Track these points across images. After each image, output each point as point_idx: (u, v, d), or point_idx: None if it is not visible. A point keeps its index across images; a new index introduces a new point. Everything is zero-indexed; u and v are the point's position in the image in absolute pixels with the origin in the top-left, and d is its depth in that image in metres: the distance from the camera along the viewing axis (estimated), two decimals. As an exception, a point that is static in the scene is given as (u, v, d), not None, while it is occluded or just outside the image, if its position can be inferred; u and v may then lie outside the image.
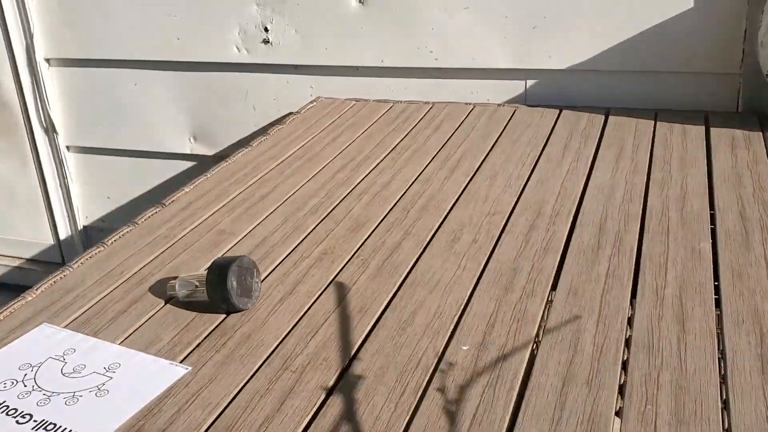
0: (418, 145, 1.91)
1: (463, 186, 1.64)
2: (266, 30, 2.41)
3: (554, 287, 1.21)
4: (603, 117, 2.02)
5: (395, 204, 1.57)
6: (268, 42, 2.42)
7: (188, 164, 2.69)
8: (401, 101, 2.29)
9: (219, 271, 1.16)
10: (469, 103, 2.21)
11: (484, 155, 1.81)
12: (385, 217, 1.51)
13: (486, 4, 2.15)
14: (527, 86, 2.20)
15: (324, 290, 1.25)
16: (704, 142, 1.80)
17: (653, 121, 1.96)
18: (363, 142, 1.96)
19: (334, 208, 1.57)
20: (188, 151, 2.65)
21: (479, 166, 1.74)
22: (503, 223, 1.45)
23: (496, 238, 1.39)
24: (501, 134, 1.95)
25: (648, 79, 2.08)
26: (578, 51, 2.10)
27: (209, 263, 1.21)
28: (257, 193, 1.67)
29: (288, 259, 1.36)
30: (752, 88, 1.96)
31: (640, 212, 1.45)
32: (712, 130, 1.87)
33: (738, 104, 2.00)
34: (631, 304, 1.15)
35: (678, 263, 1.25)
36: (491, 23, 2.16)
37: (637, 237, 1.35)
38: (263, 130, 2.44)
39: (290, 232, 1.47)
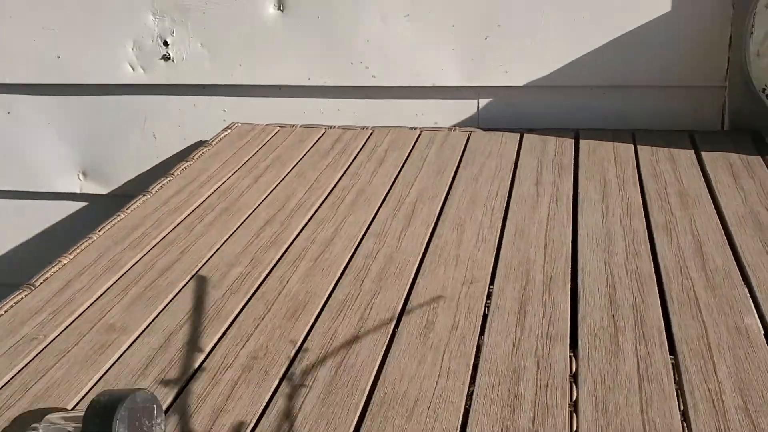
0: (361, 184, 1.57)
1: (426, 241, 1.31)
2: (166, 44, 2.01)
3: (574, 400, 0.90)
4: (573, 141, 1.74)
5: (343, 272, 1.22)
6: (169, 58, 2.02)
7: (79, 205, 2.26)
8: (334, 126, 1.94)
9: (100, 418, 0.79)
10: (415, 128, 1.89)
11: (443, 197, 1.49)
12: (331, 293, 1.17)
13: (430, 11, 1.84)
14: (480, 106, 1.90)
15: (257, 421, 0.89)
16: (698, 169, 1.54)
17: (632, 145, 1.69)
18: (293, 182, 1.61)
19: (262, 283, 1.21)
20: (77, 190, 2.22)
21: (440, 213, 1.42)
22: (485, 296, 1.13)
23: (481, 321, 1.07)
24: (458, 167, 1.63)
25: (620, 96, 1.81)
26: (539, 64, 1.81)
27: (89, 395, 0.84)
28: (159, 262, 1.29)
29: (204, 373, 0.99)
30: (740, 103, 1.72)
31: (653, 273, 1.16)
32: (704, 154, 1.61)
33: (723, 121, 1.76)
34: (684, 421, 0.85)
35: (725, 351, 0.96)
36: (437, 34, 1.85)
37: (660, 313, 1.06)
38: (167, 167, 2.04)
39: (206, 324, 1.10)
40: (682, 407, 0.87)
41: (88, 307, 1.17)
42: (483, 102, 1.89)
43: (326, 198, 1.52)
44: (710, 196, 1.42)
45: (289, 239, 1.35)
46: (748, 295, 1.09)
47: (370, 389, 0.94)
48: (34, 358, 1.04)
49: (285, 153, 1.78)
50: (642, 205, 1.40)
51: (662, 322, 1.04)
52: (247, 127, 1.98)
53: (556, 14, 1.77)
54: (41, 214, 2.27)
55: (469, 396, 0.92)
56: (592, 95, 1.81)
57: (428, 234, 1.34)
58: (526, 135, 1.79)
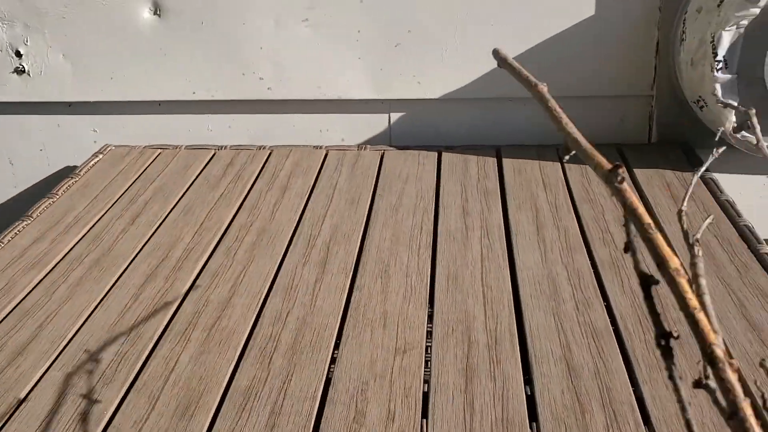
0: (262, 221, 1.35)
1: (345, 296, 1.11)
2: (18, 55, 1.71)
3: None
4: (495, 160, 1.58)
5: (245, 346, 1.01)
6: (24, 71, 1.72)
7: None
8: (225, 147, 1.70)
9: None
10: (320, 147, 1.68)
11: (360, 234, 1.29)
12: (231, 378, 0.95)
13: (331, 15, 1.63)
14: (392, 121, 1.71)
15: None
16: (635, 191, 1.42)
17: (559, 163, 1.55)
18: (178, 222, 1.36)
19: (143, 367, 0.97)
20: None
21: (359, 255, 1.22)
22: (422, 372, 0.95)
23: (421, 405, 0.88)
24: (374, 195, 1.44)
25: (541, 108, 1.67)
26: (455, 74, 1.64)
27: None
28: (9, 342, 1.03)
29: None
30: (668, 114, 1.62)
31: (609, 326, 1.02)
32: (636, 171, 1.49)
33: (651, 133, 1.66)
34: None
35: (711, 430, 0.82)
36: (340, 40, 1.64)
37: (628, 381, 0.91)
38: (27, 200, 1.74)
39: (69, 434, 0.86)
40: None
41: None
42: (395, 116, 1.70)
43: (220, 241, 1.29)
44: (655, 223, 1.29)
45: (176, 301, 1.11)
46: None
47: None
48: None
49: (168, 182, 1.53)
50: (581, 237, 1.26)
51: (632, 394, 0.89)
52: (123, 150, 1.71)
53: (471, 20, 1.61)
54: None
55: None
56: (512, 108, 1.67)
57: (347, 286, 1.14)
58: (444, 154, 1.62)
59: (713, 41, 1.37)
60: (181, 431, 0.85)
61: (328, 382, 0.93)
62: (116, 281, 1.17)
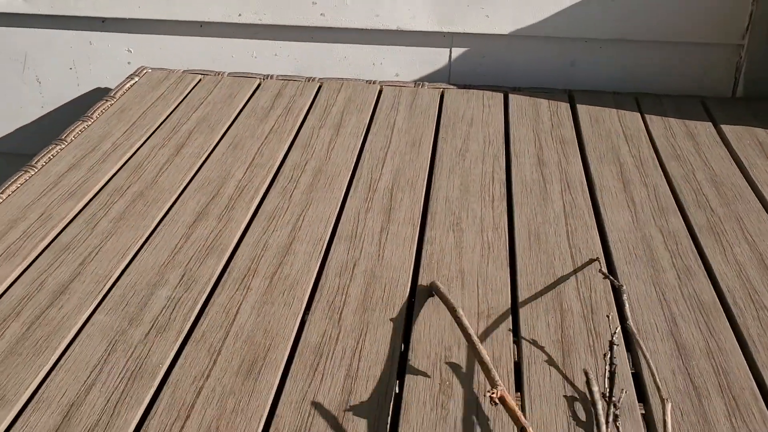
0: (317, 161, 1.25)
1: (415, 249, 1.02)
2: (51, -38, 1.58)
3: None
4: (568, 105, 1.46)
5: (310, 302, 0.91)
6: (56, -19, 1.59)
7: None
8: (271, 76, 1.58)
9: None
10: (373, 82, 1.56)
11: (425, 180, 1.19)
12: (297, 339, 0.86)
13: (396, -66, 1.49)
14: (453, 57, 1.58)
15: None
16: (725, 149, 1.30)
17: (639, 113, 1.43)
18: (227, 156, 1.26)
19: (199, 316, 0.88)
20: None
21: (425, 204, 1.12)
22: (511, 341, 0.86)
23: (514, 383, 0.80)
24: (436, 138, 1.33)
25: (620, 51, 1.54)
26: (528, 9, 1.51)
27: None
28: (48, 282, 0.94)
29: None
30: (760, 67, 1.49)
31: (717, 300, 0.92)
32: (724, 128, 1.37)
33: (735, 87, 1.53)
34: None
35: None
36: (403, -36, 1.51)
37: (749, 372, 0.82)
38: (56, 122, 1.64)
39: (123, 387, 0.77)
40: None
41: (-56, 358, 0.81)
42: (457, 52, 1.57)
43: (273, 180, 1.19)
44: (750, 186, 1.18)
45: (231, 243, 1.02)
46: None
47: None
48: None
49: (212, 112, 1.42)
50: (673, 198, 1.15)
51: (752, 379, 0.79)
52: (161, 73, 1.59)
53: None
54: None
55: None
56: (588, 49, 1.53)
57: (416, 238, 1.04)
58: (511, 95, 1.49)
59: (832, -14, 1.24)
60: (247, 392, 0.77)
61: (406, 344, 0.84)
62: (163, 217, 1.08)
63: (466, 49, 1.57)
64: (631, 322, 0.86)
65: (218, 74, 1.59)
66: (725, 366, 0.81)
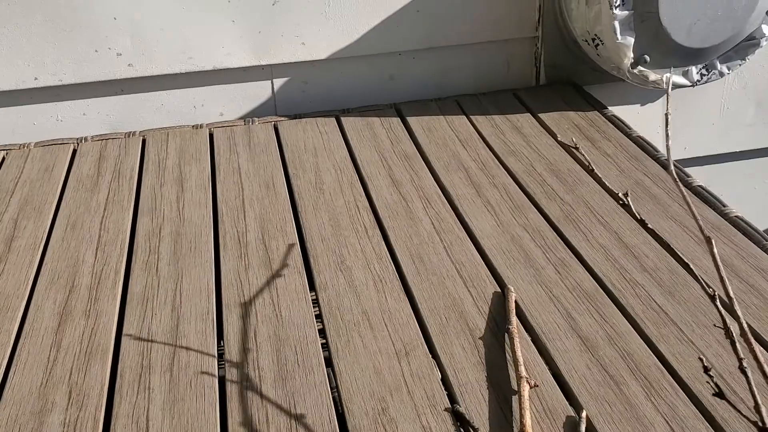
0: (172, 225, 1.15)
1: (311, 300, 0.98)
2: None
3: None
4: (399, 120, 1.48)
5: (223, 394, 0.85)
6: None
7: None
8: (86, 138, 1.44)
9: None
10: (200, 126, 1.48)
11: (293, 223, 1.15)
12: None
13: (195, -27, 1.42)
14: (275, 89, 1.54)
15: None
16: (549, 137, 1.39)
17: (464, 115, 1.49)
18: (68, 240, 1.12)
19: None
20: None
21: (303, 250, 1.08)
22: (437, 373, 0.85)
23: (451, 419, 0.79)
24: (287, 177, 1.29)
25: (433, 59, 1.59)
26: (341, 32, 1.51)
27: None
28: None
29: None
30: (555, 54, 1.61)
31: (598, 287, 0.98)
32: (542, 116, 1.47)
33: (538, 76, 1.64)
34: None
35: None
36: (209, 2, 1.43)
37: (648, 350, 0.88)
38: None
39: None
40: None
41: None
42: (279, 83, 1.54)
43: (131, 256, 1.08)
44: (583, 169, 1.28)
45: (111, 341, 0.91)
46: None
47: None
48: None
49: (32, 191, 1.26)
50: (524, 195, 1.21)
51: (653, 355, 0.86)
52: (-47, 156, 1.39)
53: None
54: None
55: None
56: (404, 61, 1.57)
57: (307, 286, 1.00)
58: (343, 118, 1.49)
59: (610, -21, 1.37)
60: None
61: (339, 407, 0.81)
62: (20, 329, 0.94)
63: (287, 78, 1.54)
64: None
65: (23, 146, 1.42)
66: (627, 348, 0.87)
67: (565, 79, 1.63)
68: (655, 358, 0.86)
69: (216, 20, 1.45)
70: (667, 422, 0.77)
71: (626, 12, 1.38)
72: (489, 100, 1.55)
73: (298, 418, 0.79)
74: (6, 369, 0.88)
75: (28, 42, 1.39)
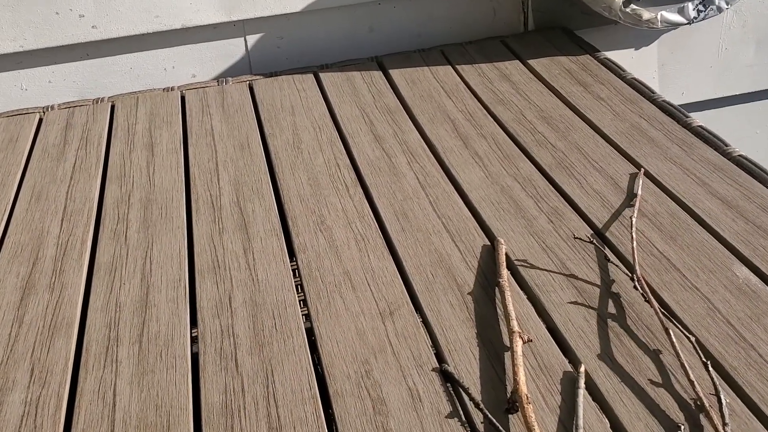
0: (141, 191, 1.09)
1: (288, 262, 0.93)
2: None
3: None
4: (381, 73, 1.41)
5: (196, 369, 0.80)
6: None
7: None
8: (52, 107, 1.37)
9: None
10: (171, 88, 1.41)
11: (271, 185, 1.09)
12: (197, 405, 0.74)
13: (156, -76, 1.34)
14: (249, 46, 1.47)
15: None
16: (540, 83, 1.32)
17: (449, 66, 1.42)
18: (32, 210, 1.06)
19: (70, 413, 0.73)
20: None
21: (281, 211, 1.03)
22: (425, 333, 0.80)
23: (441, 379, 0.74)
24: (263, 136, 1.22)
25: (413, 6, 1.51)
26: (314, -19, 1.43)
27: None
28: None
29: None
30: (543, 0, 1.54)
31: (585, 232, 0.93)
32: (531, 63, 1.40)
33: (526, 21, 1.57)
34: None
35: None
36: (172, -45, 1.36)
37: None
38: None
39: None
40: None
41: None
42: (252, 39, 1.46)
43: (98, 225, 1.02)
44: (576, 114, 1.22)
45: (76, 314, 0.86)
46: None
47: None
48: None
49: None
50: (514, 144, 1.15)
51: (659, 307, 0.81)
52: None
53: None
54: None
55: None
56: (385, 10, 1.49)
57: (285, 249, 0.95)
58: (321, 74, 1.42)
59: None
60: None
61: (320, 370, 0.76)
62: (-20, 305, 0.89)
63: (261, 34, 1.46)
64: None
65: (-13, 117, 1.36)
66: (628, 299, 0.82)
67: (554, 23, 1.56)
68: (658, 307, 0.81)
69: (182, -25, 1.37)
70: (672, 373, 0.72)
71: (616, -54, 1.30)
72: (475, 49, 1.48)
73: (276, 386, 0.74)
74: (-36, 348, 0.83)
75: (-16, 6, 1.31)
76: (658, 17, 1.37)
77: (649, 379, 0.72)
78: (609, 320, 0.79)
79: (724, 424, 0.65)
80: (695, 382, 0.69)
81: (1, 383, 0.77)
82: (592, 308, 0.81)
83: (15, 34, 1.34)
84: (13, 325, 0.85)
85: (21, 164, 1.20)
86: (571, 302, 0.82)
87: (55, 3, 1.34)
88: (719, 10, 1.39)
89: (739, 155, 1.06)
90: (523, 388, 0.69)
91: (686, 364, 0.71)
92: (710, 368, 0.71)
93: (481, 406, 0.69)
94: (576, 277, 0.86)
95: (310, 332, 0.82)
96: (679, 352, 0.72)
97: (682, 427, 0.67)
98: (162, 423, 0.71)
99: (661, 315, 0.75)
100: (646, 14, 1.36)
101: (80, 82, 1.43)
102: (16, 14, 1.33)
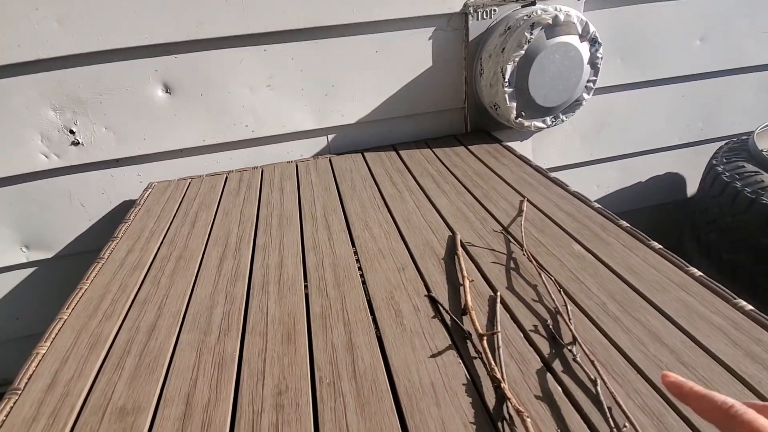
0: (278, 210, 1.14)
1: (350, 243, 0.97)
2: (72, 132, 1.31)
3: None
4: (395, 153, 1.46)
5: (306, 286, 0.84)
6: (78, 143, 1.32)
7: (27, 272, 1.46)
8: (232, 171, 1.44)
9: None
10: (291, 162, 1.47)
11: (341, 207, 1.13)
12: (308, 309, 0.78)
13: (284, 81, 1.40)
14: (329, 140, 1.53)
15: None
16: (476, 158, 1.36)
17: (429, 149, 1.47)
18: (224, 220, 1.12)
19: (246, 316, 0.77)
20: (25, 260, 1.42)
21: (346, 219, 1.07)
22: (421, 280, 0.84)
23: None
24: (337, 183, 1.27)
25: (412, 120, 1.57)
26: (361, 107, 1.49)
27: None
28: (141, 324, 0.78)
29: (242, 426, 0.57)
30: (475, 116, 1.58)
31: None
32: (472, 147, 1.44)
33: (467, 127, 1.61)
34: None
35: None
36: (291, 95, 1.42)
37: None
38: (101, 227, 1.38)
39: (216, 374, 0.66)
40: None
41: (87, 395, 0.64)
42: (330, 137, 1.52)
43: (256, 227, 1.07)
44: (492, 172, 1.25)
45: (247, 269, 0.91)
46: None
47: (391, 385, 0.61)
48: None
49: (205, 198, 1.26)
50: (462, 185, 1.18)
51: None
52: (164, 184, 1.39)
53: (366, 73, 1.46)
54: (-12, 287, 1.43)
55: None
56: (396, 122, 1.54)
57: (349, 238, 0.99)
58: (365, 153, 1.47)
59: (502, 71, 1.33)
60: (292, 352, 0.68)
61: (368, 295, 0.79)
62: (200, 266, 0.94)
63: (335, 134, 1.52)
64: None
65: (199, 177, 1.41)
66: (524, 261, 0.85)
67: (481, 128, 1.60)
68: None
69: (295, 105, 1.43)
70: (541, 295, 0.74)
71: (511, 89, 1.34)
72: (442, 140, 1.52)
73: (347, 303, 0.78)
74: (191, 288, 0.87)
75: (198, 121, 1.38)
76: (532, 125, 1.40)
77: (531, 298, 0.74)
78: (511, 271, 0.82)
79: (569, 320, 0.68)
80: (553, 298, 0.71)
81: (210, 303, 0.81)
82: (502, 265, 0.84)
83: (214, 135, 1.40)
84: (215, 276, 0.90)
85: (217, 198, 1.25)
86: (493, 262, 0.85)
87: (234, 119, 1.40)
88: (562, 121, 1.43)
89: (575, 191, 1.08)
90: (470, 303, 0.71)
91: (548, 289, 0.73)
92: (561, 290, 0.73)
93: (449, 312, 0.72)
94: (495, 250, 0.88)
95: (363, 278, 0.85)
96: (545, 283, 0.74)
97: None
98: (291, 322, 0.75)
99: (537, 266, 0.78)
100: (526, 123, 1.39)
101: (245, 159, 1.48)
102: (215, 125, 1.39)
